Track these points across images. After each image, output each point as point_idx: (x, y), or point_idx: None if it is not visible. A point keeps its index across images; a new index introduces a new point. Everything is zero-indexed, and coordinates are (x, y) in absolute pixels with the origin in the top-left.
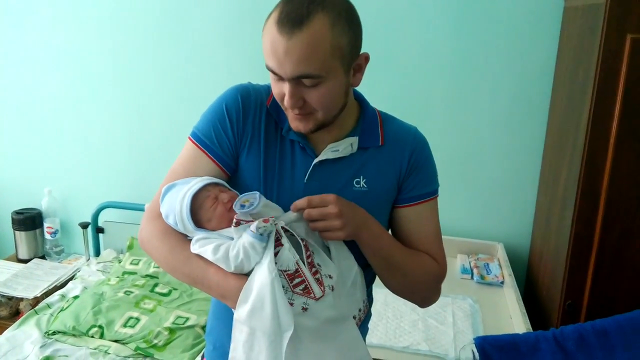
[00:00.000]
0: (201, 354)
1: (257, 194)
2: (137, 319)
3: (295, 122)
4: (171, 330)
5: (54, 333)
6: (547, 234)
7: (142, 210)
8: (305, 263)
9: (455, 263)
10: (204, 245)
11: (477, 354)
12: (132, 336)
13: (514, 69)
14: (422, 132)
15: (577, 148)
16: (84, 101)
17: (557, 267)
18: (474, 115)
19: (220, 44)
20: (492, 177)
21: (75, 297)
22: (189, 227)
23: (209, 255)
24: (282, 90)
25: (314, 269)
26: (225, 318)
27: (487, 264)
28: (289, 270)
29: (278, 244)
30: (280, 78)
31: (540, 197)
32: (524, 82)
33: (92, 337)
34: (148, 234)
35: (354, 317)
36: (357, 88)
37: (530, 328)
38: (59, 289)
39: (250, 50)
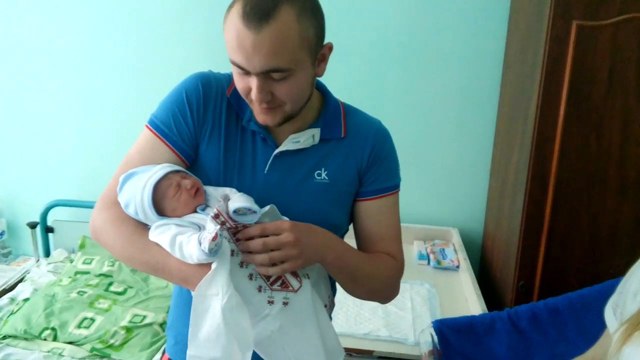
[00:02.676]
0: (162, 349)
1: (257, 210)
2: (92, 320)
3: (262, 116)
4: (128, 329)
5: (4, 337)
6: (500, 217)
7: (93, 207)
8: None
9: (412, 249)
10: (162, 232)
11: (435, 337)
12: (87, 337)
13: (464, 55)
14: (380, 120)
15: (527, 133)
16: (29, 95)
17: (509, 249)
18: (425, 102)
19: (169, 36)
20: (445, 164)
21: (26, 300)
22: (151, 216)
23: (165, 245)
24: (247, 85)
25: None
26: (186, 311)
27: (443, 249)
28: None
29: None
30: (246, 72)
31: (492, 182)
32: (474, 68)
33: (45, 339)
34: (102, 222)
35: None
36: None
37: (486, 309)
38: (8, 291)
39: (201, 42)
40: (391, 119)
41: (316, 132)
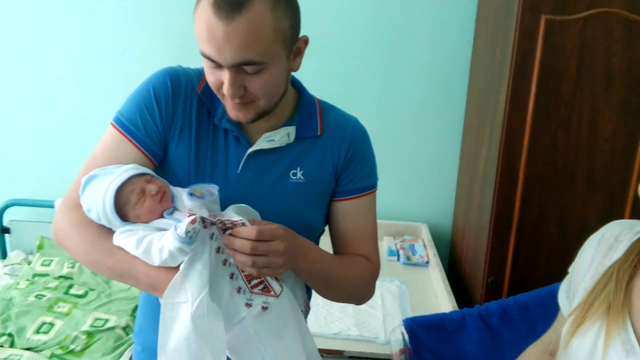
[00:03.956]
0: (128, 356)
1: (215, 187)
2: (51, 324)
3: (234, 112)
4: (89, 334)
5: None
6: (469, 212)
7: (52, 207)
8: None
9: (382, 246)
10: (128, 237)
11: (406, 335)
12: (47, 342)
13: (432, 51)
14: (357, 118)
15: (496, 128)
16: None
17: (479, 244)
18: (394, 98)
19: (129, 29)
20: (414, 159)
21: None
22: (114, 222)
23: (131, 249)
24: (219, 79)
25: None
26: (155, 316)
27: (413, 245)
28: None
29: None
30: (218, 65)
31: (460, 177)
32: (442, 63)
33: (2, 346)
34: (64, 225)
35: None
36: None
37: (456, 306)
38: None
39: (165, 36)
40: (360, 114)
41: (291, 130)
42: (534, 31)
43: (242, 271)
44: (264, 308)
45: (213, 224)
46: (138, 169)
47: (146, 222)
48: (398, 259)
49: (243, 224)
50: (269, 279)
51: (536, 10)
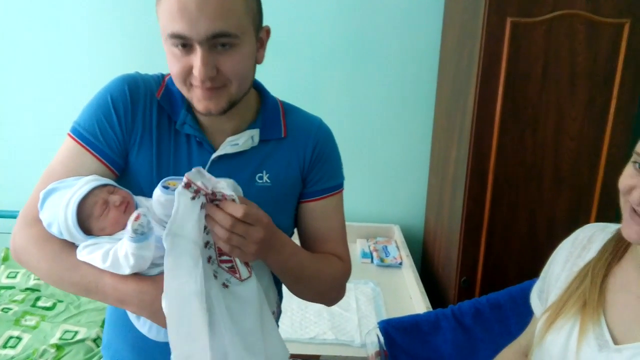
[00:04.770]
0: None
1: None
2: (19, 338)
3: (204, 102)
4: (59, 347)
5: None
6: (440, 213)
7: (16, 217)
8: None
9: (355, 248)
10: (93, 251)
11: (381, 338)
12: (14, 357)
13: (400, 52)
14: (321, 118)
15: (465, 129)
16: None
17: (451, 245)
18: (363, 100)
19: (92, 34)
20: (384, 161)
21: None
22: (77, 236)
23: (98, 264)
24: (188, 64)
25: None
26: (123, 329)
27: (386, 247)
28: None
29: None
30: (188, 47)
31: (431, 178)
32: (410, 65)
33: None
34: (24, 241)
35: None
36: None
37: (430, 307)
38: None
39: (129, 38)
40: (329, 117)
41: (255, 133)
42: (500, 33)
43: (215, 243)
44: (225, 285)
45: (206, 194)
46: (99, 180)
47: (111, 234)
48: (372, 261)
49: (233, 200)
50: (238, 262)
51: (502, 13)
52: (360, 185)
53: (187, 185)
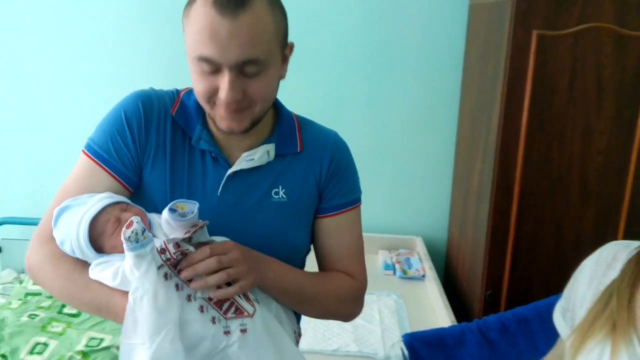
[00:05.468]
0: None
1: (196, 204)
2: (45, 345)
3: (227, 121)
4: (84, 354)
5: None
6: (464, 226)
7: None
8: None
9: (378, 259)
10: (104, 269)
11: (405, 351)
12: None
13: (423, 65)
14: (336, 131)
15: (490, 142)
16: None
17: (476, 258)
18: (386, 113)
19: (121, 46)
20: (407, 173)
21: None
22: (89, 254)
23: (108, 282)
24: (213, 85)
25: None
26: None
27: (408, 259)
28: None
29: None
30: (215, 70)
31: (454, 191)
32: (434, 77)
33: None
34: (38, 260)
35: None
36: None
37: (455, 320)
38: None
39: (157, 53)
40: (352, 128)
41: (271, 148)
42: (526, 46)
43: (211, 299)
44: (243, 331)
45: (175, 262)
46: (112, 197)
47: (123, 252)
48: (394, 273)
49: (189, 251)
50: (238, 299)
51: (527, 26)
52: (383, 196)
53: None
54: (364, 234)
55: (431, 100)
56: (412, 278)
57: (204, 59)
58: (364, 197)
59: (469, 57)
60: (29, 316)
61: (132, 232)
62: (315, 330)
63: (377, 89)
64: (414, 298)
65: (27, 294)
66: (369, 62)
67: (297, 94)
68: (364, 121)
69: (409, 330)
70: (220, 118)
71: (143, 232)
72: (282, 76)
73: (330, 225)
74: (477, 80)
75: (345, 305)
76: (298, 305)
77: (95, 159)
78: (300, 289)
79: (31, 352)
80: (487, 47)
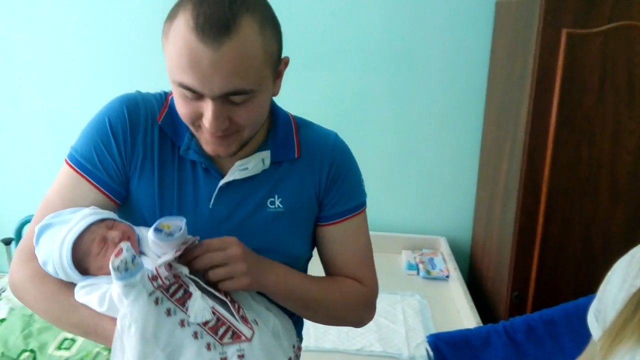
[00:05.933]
0: None
1: (183, 219)
2: (73, 340)
3: (213, 146)
4: (111, 350)
5: None
6: (490, 226)
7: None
8: (221, 303)
9: (401, 259)
10: (90, 292)
11: (430, 352)
12: (68, 359)
13: (449, 64)
14: (361, 131)
15: (517, 142)
16: (2, 111)
17: (502, 259)
18: (411, 112)
19: (144, 46)
20: (431, 173)
21: (2, 320)
22: (73, 277)
23: (94, 306)
24: (196, 110)
25: (235, 305)
26: None
27: (432, 259)
28: (209, 322)
29: (185, 295)
30: (197, 97)
31: (479, 191)
32: (459, 77)
33: None
34: (20, 278)
35: None
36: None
37: (480, 321)
38: None
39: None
40: (377, 128)
41: (266, 156)
42: (555, 45)
43: (205, 324)
44: (240, 357)
45: (168, 287)
46: (97, 213)
47: (109, 274)
48: (417, 273)
49: (182, 273)
50: (235, 323)
51: (557, 24)
52: (406, 196)
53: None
54: (387, 233)
55: (456, 99)
56: (436, 278)
57: (184, 87)
58: (387, 198)
59: (495, 55)
60: None
61: (121, 261)
62: (339, 330)
63: (402, 88)
64: (438, 299)
65: None
66: (393, 61)
67: (319, 92)
68: (388, 120)
69: (433, 331)
70: (205, 142)
71: (133, 260)
72: (274, 93)
73: (334, 233)
74: (503, 79)
75: (354, 311)
76: (303, 310)
77: (78, 170)
78: (305, 294)
79: (59, 348)
80: (515, 45)
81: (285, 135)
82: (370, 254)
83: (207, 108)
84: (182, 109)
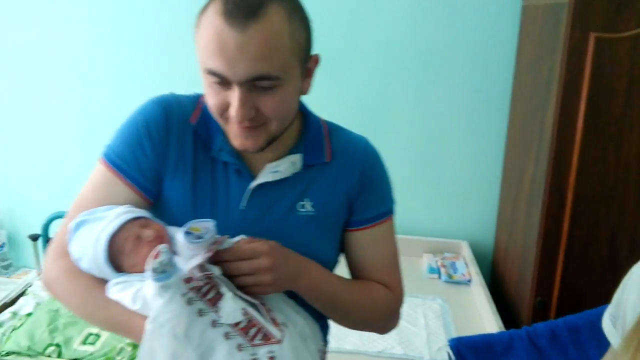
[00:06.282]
0: None
1: (212, 222)
2: (97, 335)
3: (240, 139)
4: (135, 346)
5: (7, 354)
6: (513, 230)
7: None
8: (251, 305)
9: (422, 263)
10: (123, 289)
11: (452, 356)
12: (93, 354)
13: (474, 68)
14: (383, 133)
15: (544, 145)
16: (32, 106)
17: (525, 264)
18: (435, 115)
19: (181, 48)
20: (454, 176)
21: (29, 315)
22: (107, 273)
23: (127, 303)
24: (225, 100)
25: (265, 307)
26: None
27: (454, 263)
28: (240, 323)
29: (216, 296)
30: (225, 84)
31: (503, 195)
32: (484, 80)
33: (49, 356)
34: (55, 274)
35: None
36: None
37: (502, 327)
38: (9, 306)
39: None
40: (400, 129)
41: (297, 159)
42: (583, 49)
43: (236, 325)
44: (271, 358)
45: (200, 287)
46: (132, 212)
47: (142, 272)
48: (439, 277)
49: (213, 274)
50: (266, 324)
51: (585, 28)
52: (428, 199)
53: (157, 256)
54: (409, 236)
55: (480, 102)
56: (457, 282)
57: (212, 73)
58: (409, 200)
59: (521, 59)
60: None
61: (160, 263)
62: (360, 332)
63: (425, 91)
64: (459, 303)
65: None
66: (417, 63)
67: (342, 94)
68: (412, 123)
69: (454, 335)
70: (233, 135)
71: (169, 262)
72: (304, 91)
73: (363, 239)
74: (529, 82)
75: (381, 317)
76: (332, 313)
77: (113, 169)
78: (336, 298)
79: (84, 342)
80: (541, 49)
81: (316, 139)
82: (397, 260)
83: (234, 96)
84: (212, 99)
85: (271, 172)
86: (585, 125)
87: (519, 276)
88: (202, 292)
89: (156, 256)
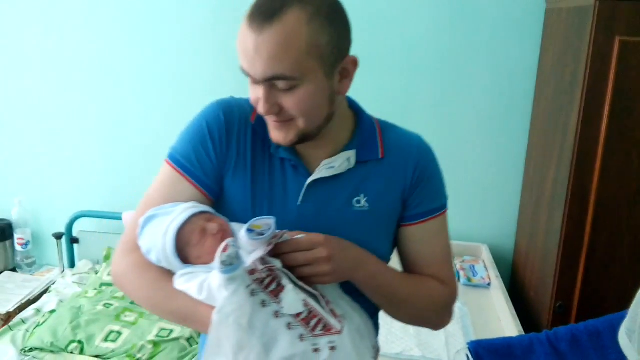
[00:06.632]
0: None
1: (272, 219)
2: (119, 333)
3: (274, 132)
4: (155, 344)
5: (30, 350)
6: (534, 234)
7: (119, 219)
8: (311, 296)
9: None
10: (189, 280)
11: (471, 358)
12: (114, 351)
13: (496, 70)
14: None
15: (566, 149)
16: (56, 107)
17: (546, 268)
18: (456, 117)
19: (202, 49)
20: (475, 179)
21: (52, 312)
22: (175, 264)
23: (194, 294)
24: (257, 96)
25: (324, 299)
26: None
27: (473, 266)
28: (301, 313)
29: (278, 288)
30: (255, 82)
31: (524, 198)
32: (506, 83)
33: (72, 353)
34: (124, 268)
35: None
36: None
37: (522, 330)
38: (33, 302)
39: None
40: (420, 131)
41: (351, 155)
42: (608, 53)
43: (297, 316)
44: (332, 348)
45: (262, 279)
46: (197, 207)
47: (206, 263)
48: (458, 280)
49: (274, 267)
50: (326, 315)
51: (610, 32)
52: (448, 202)
53: (225, 249)
54: None
55: (503, 105)
56: (477, 286)
57: (243, 71)
58: None
59: (544, 62)
60: (104, 305)
61: (228, 256)
62: (379, 333)
63: (447, 92)
64: (478, 306)
65: (102, 284)
66: (440, 65)
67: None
68: (433, 124)
69: (473, 338)
70: (270, 129)
71: (236, 255)
72: (340, 92)
73: (417, 233)
74: (552, 85)
75: (437, 311)
76: (389, 306)
77: (178, 169)
78: (393, 292)
79: (105, 340)
80: (565, 52)
81: (369, 136)
82: (450, 255)
83: (260, 92)
84: (250, 94)
85: (326, 168)
86: (608, 129)
87: (540, 280)
88: (265, 284)
89: (225, 249)
